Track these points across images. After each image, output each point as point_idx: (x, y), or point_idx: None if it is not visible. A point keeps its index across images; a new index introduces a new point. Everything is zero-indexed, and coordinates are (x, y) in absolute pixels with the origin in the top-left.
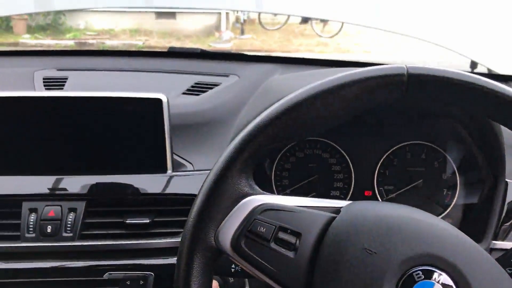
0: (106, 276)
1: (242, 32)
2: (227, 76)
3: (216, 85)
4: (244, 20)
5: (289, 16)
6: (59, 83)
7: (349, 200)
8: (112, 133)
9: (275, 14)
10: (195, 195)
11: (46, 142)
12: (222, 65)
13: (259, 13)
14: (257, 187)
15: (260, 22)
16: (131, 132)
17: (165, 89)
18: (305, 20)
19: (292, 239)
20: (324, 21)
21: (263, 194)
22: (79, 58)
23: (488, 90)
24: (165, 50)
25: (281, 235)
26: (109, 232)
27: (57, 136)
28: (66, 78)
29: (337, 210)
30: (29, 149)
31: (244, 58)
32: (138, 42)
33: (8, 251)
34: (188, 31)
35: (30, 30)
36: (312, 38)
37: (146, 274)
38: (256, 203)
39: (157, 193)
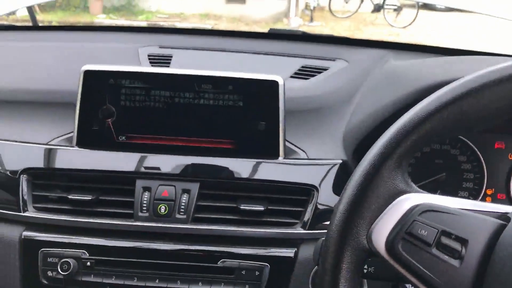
0: (220, 263)
1: (311, 19)
2: (333, 60)
3: (324, 69)
4: (314, 7)
5: (360, 4)
6: (164, 60)
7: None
8: (226, 115)
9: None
10: (311, 185)
11: (160, 121)
12: (326, 48)
13: (330, 0)
14: (414, 185)
15: (330, 10)
16: (244, 114)
17: (272, 71)
18: (377, 9)
19: (457, 245)
20: (397, 11)
21: (420, 192)
22: (180, 36)
23: None
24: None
25: (444, 240)
26: (222, 216)
27: (170, 115)
28: (171, 56)
29: (505, 217)
30: (144, 128)
31: (348, 42)
32: (207, 26)
33: (122, 229)
34: (256, 16)
35: (105, 10)
36: (383, 28)
37: (262, 265)
38: (413, 202)
39: (270, 179)
